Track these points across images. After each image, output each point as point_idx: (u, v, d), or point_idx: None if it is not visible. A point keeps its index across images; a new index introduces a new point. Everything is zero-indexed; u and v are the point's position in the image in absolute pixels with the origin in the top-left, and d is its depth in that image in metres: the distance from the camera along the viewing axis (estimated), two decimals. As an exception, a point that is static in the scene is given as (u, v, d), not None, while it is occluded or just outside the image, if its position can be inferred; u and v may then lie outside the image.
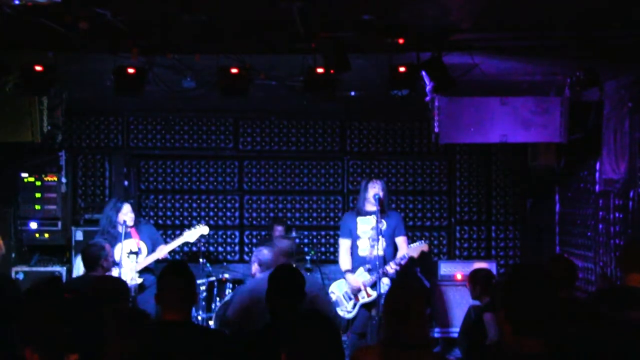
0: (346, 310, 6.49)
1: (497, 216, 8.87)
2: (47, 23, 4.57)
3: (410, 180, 8.96)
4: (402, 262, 6.38)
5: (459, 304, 7.56)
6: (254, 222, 8.99)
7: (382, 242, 6.27)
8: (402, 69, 5.32)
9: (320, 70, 5.32)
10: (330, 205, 8.99)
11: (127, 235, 6.42)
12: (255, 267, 5.58)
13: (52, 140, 7.15)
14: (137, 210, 8.33)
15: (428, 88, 5.74)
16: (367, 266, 6.38)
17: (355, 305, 6.49)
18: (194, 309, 6.76)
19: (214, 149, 8.87)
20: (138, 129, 8.82)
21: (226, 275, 7.76)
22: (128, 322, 3.16)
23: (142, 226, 6.80)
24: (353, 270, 6.51)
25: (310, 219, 8.98)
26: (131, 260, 6.40)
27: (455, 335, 7.17)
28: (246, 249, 8.94)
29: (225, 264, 8.74)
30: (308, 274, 6.15)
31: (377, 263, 6.19)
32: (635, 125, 5.91)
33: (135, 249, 6.45)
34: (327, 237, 8.95)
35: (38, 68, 5.40)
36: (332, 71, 5.27)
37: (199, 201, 8.97)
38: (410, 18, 4.71)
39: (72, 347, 1.91)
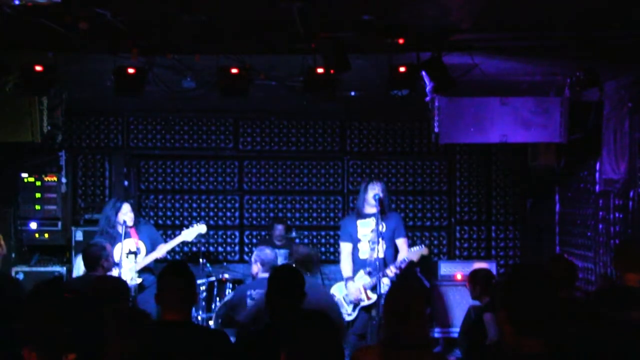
0: (346, 313, 6.49)
1: (497, 216, 8.87)
2: (47, 23, 4.57)
3: (410, 180, 8.96)
4: (402, 266, 6.37)
5: (459, 304, 7.57)
6: (254, 222, 8.99)
7: (382, 245, 6.25)
8: (402, 69, 5.32)
9: (320, 70, 5.32)
10: (330, 205, 8.99)
11: (127, 235, 6.42)
12: (257, 267, 5.57)
13: (52, 140, 7.15)
14: (137, 210, 8.34)
15: (428, 88, 5.74)
16: (368, 269, 6.37)
17: (355, 307, 6.49)
18: (194, 309, 6.76)
19: (214, 149, 8.87)
20: (138, 129, 8.82)
21: (226, 275, 7.76)
22: (128, 322, 3.16)
23: (141, 226, 6.80)
24: (353, 273, 6.50)
25: (310, 219, 8.98)
26: (130, 260, 6.40)
27: (455, 335, 7.17)
28: (246, 249, 8.94)
29: (225, 264, 8.74)
30: (322, 287, 6.04)
31: (378, 264, 6.18)
32: (635, 125, 5.91)
33: (134, 249, 6.45)
34: (327, 237, 8.95)
35: (38, 68, 5.40)
36: (332, 71, 5.27)
37: (199, 201, 8.97)
38: (410, 18, 4.71)
39: (71, 347, 1.91)
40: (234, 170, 9.00)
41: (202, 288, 7.49)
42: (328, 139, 8.92)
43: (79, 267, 6.68)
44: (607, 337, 3.22)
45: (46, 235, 7.97)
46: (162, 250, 6.61)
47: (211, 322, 7.15)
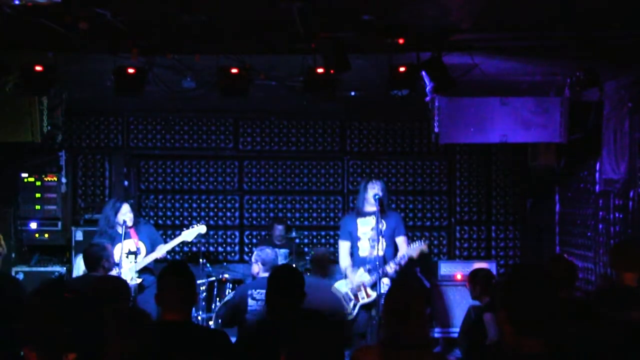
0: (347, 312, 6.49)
1: (497, 216, 8.88)
2: (47, 23, 4.57)
3: (410, 180, 8.97)
4: (402, 262, 6.37)
5: (459, 304, 7.57)
6: (254, 222, 8.99)
7: (382, 243, 6.26)
8: (402, 69, 5.32)
9: (320, 70, 5.32)
10: (330, 205, 8.99)
11: (127, 236, 6.42)
12: (257, 267, 5.57)
13: (52, 140, 7.15)
14: (137, 210, 8.34)
15: (428, 88, 5.74)
16: (367, 266, 6.38)
17: (355, 306, 6.49)
18: (194, 309, 6.76)
19: (214, 149, 8.87)
20: (138, 129, 8.82)
21: (226, 276, 7.77)
22: (128, 322, 3.16)
23: (141, 226, 6.80)
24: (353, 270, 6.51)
25: (310, 219, 8.98)
26: (130, 260, 6.40)
27: (455, 335, 7.17)
28: (246, 249, 8.94)
29: (225, 264, 8.74)
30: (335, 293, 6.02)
31: (377, 263, 6.19)
32: (635, 125, 5.91)
33: (133, 249, 6.45)
34: (327, 237, 8.96)
35: (38, 68, 5.40)
36: (332, 71, 5.27)
37: (199, 201, 8.97)
38: (410, 18, 4.71)
39: (71, 347, 1.91)
40: (234, 170, 9.00)
41: (202, 288, 7.50)
42: (328, 139, 8.92)
43: (79, 267, 6.69)
44: (607, 337, 3.22)
45: (46, 235, 7.98)
46: (161, 251, 6.60)
47: (211, 322, 7.15)
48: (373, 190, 6.43)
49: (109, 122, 8.77)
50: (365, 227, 6.54)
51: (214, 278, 7.63)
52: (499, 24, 4.91)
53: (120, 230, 6.40)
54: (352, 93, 7.06)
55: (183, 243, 7.35)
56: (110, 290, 4.01)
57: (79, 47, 5.05)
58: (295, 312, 3.66)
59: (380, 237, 6.25)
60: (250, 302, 5.22)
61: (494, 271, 7.20)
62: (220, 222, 8.96)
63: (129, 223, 6.49)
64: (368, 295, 6.39)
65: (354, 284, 6.44)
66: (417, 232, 8.81)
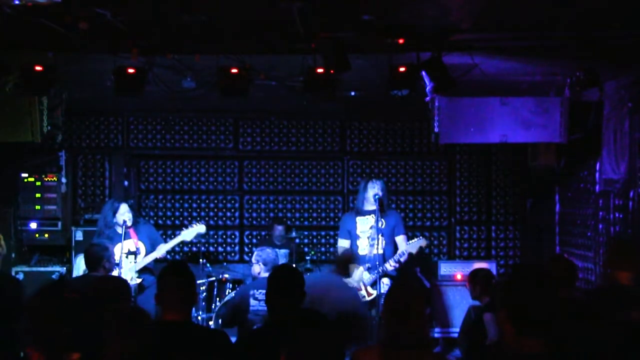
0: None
1: (497, 216, 8.88)
2: (47, 23, 4.57)
3: (410, 180, 8.97)
4: (401, 259, 6.38)
5: (459, 304, 7.57)
6: (254, 222, 8.99)
7: (381, 241, 6.27)
8: (402, 69, 5.32)
9: (320, 70, 5.32)
10: (330, 205, 8.99)
11: (126, 236, 6.42)
12: (259, 268, 5.58)
13: (52, 140, 7.15)
14: (137, 210, 8.34)
15: (428, 88, 5.74)
16: (367, 265, 6.38)
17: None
18: (194, 309, 6.76)
19: (214, 149, 8.88)
20: (138, 129, 8.82)
21: (226, 276, 7.77)
22: (128, 322, 3.16)
23: (141, 226, 6.80)
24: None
25: (310, 219, 8.98)
26: (129, 260, 6.40)
27: (455, 335, 7.17)
28: (246, 249, 8.94)
29: (225, 264, 8.74)
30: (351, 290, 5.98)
31: (377, 262, 6.19)
32: (635, 125, 5.91)
33: (133, 249, 6.45)
34: (327, 237, 8.96)
35: (38, 68, 5.40)
36: (332, 71, 5.27)
37: (199, 201, 8.97)
38: (410, 18, 4.71)
39: (74, 347, 1.92)
40: (234, 170, 9.00)
41: (202, 288, 7.49)
42: (328, 139, 8.92)
43: (79, 267, 6.69)
44: (607, 337, 3.22)
45: (46, 235, 7.97)
46: (161, 250, 6.60)
47: (211, 322, 7.15)
48: (373, 189, 6.44)
49: (109, 122, 8.77)
50: (365, 225, 6.55)
51: (214, 278, 7.63)
52: (499, 24, 4.91)
53: (120, 230, 6.40)
54: (352, 93, 7.06)
55: (183, 243, 7.34)
56: (111, 290, 4.02)
57: (79, 47, 5.05)
58: (296, 312, 3.66)
59: (380, 236, 6.25)
60: (252, 302, 5.23)
61: (494, 271, 7.20)
62: (220, 222, 8.96)
63: (129, 223, 6.49)
64: (369, 294, 6.40)
65: (354, 282, 6.44)
66: (417, 232, 8.78)
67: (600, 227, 6.58)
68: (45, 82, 5.53)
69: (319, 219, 8.99)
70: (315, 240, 8.95)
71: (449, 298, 7.78)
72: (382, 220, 6.37)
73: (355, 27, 4.83)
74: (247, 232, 9.01)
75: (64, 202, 8.06)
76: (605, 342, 3.17)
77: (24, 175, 7.93)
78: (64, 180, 8.11)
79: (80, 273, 6.44)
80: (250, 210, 8.99)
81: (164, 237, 8.10)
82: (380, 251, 6.23)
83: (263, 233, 8.86)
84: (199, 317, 7.25)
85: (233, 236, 8.99)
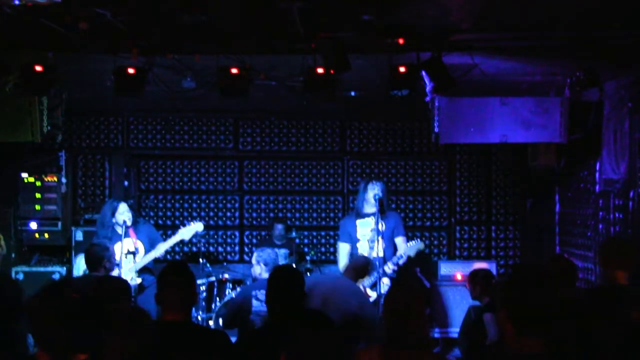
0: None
1: (497, 216, 8.87)
2: (47, 23, 4.57)
3: (410, 180, 8.97)
4: (400, 262, 6.37)
5: (459, 304, 7.56)
6: (254, 222, 8.99)
7: (381, 243, 6.26)
8: (402, 69, 5.32)
9: (320, 70, 5.32)
10: (330, 205, 8.99)
11: (126, 235, 6.42)
12: (259, 268, 5.58)
13: (52, 140, 7.16)
14: (137, 210, 8.34)
15: (428, 88, 5.74)
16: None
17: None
18: (194, 309, 6.76)
19: (214, 149, 8.88)
20: (138, 129, 8.82)
21: (226, 275, 7.76)
22: (128, 322, 3.16)
23: (140, 226, 6.80)
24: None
25: (310, 219, 8.98)
26: (129, 260, 6.40)
27: (455, 335, 7.17)
28: (246, 249, 8.94)
29: (225, 264, 8.74)
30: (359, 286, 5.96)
31: (377, 264, 6.18)
32: (635, 125, 5.91)
33: (132, 249, 6.45)
34: (327, 237, 8.95)
35: (38, 68, 5.40)
36: (332, 71, 5.27)
37: (199, 201, 8.97)
38: (410, 18, 4.71)
39: (79, 347, 1.91)
40: (234, 170, 9.00)
41: (202, 288, 7.49)
42: (328, 139, 8.92)
43: (79, 267, 6.69)
44: (607, 337, 3.22)
45: (46, 235, 7.98)
46: (159, 250, 6.60)
47: (211, 322, 7.15)
48: (373, 190, 6.43)
49: (109, 122, 8.77)
50: (365, 228, 6.55)
51: (214, 278, 7.62)
52: (499, 24, 4.91)
53: (119, 230, 6.40)
54: (352, 93, 7.06)
55: (183, 243, 7.33)
56: (112, 290, 4.02)
57: (79, 47, 5.05)
58: (296, 312, 3.66)
59: (380, 238, 6.24)
60: (254, 302, 5.22)
61: (494, 271, 7.20)
62: (220, 222, 8.96)
63: (129, 223, 6.49)
64: (368, 296, 6.39)
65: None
66: (417, 232, 8.81)
67: (600, 227, 6.58)
68: (45, 82, 5.53)
69: (319, 219, 8.98)
70: (315, 240, 8.95)
71: (448, 298, 7.78)
72: (382, 222, 6.34)
73: (355, 27, 4.83)
74: (247, 232, 9.01)
75: (64, 202, 8.07)
76: (605, 342, 3.17)
77: (24, 175, 7.93)
78: (64, 180, 8.12)
79: (80, 273, 6.44)
80: (250, 210, 8.99)
81: (164, 237, 8.09)
82: (381, 254, 6.22)
83: (263, 233, 8.86)
84: (199, 317, 7.25)
85: (233, 236, 8.99)
